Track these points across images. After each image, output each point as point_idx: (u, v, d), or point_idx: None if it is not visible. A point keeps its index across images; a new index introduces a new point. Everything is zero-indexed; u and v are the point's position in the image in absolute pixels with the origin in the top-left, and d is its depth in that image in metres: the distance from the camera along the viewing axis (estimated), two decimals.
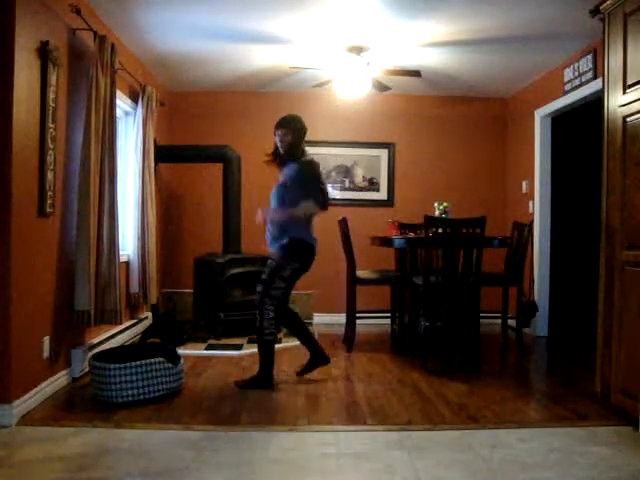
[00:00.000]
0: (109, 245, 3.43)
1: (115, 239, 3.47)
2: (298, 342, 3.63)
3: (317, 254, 3.42)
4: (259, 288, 3.32)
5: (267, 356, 3.33)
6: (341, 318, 4.88)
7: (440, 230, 3.76)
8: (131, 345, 3.99)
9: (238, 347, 4.32)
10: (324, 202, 3.35)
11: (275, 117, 5.88)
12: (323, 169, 5.64)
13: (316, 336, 4.77)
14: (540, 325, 4.97)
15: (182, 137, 5.52)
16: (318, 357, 3.51)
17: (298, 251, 3.31)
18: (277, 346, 4.37)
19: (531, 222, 4.49)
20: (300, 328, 3.53)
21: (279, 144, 3.39)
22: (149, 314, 4.90)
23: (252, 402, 3.04)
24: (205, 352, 4.17)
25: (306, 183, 3.30)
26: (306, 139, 5.62)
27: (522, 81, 5.20)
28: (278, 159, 3.46)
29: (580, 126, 5.49)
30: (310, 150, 5.49)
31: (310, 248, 3.36)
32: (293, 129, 3.35)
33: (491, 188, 5.79)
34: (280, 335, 4.80)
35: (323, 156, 5.70)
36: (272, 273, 3.29)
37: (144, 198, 4.39)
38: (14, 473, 2.14)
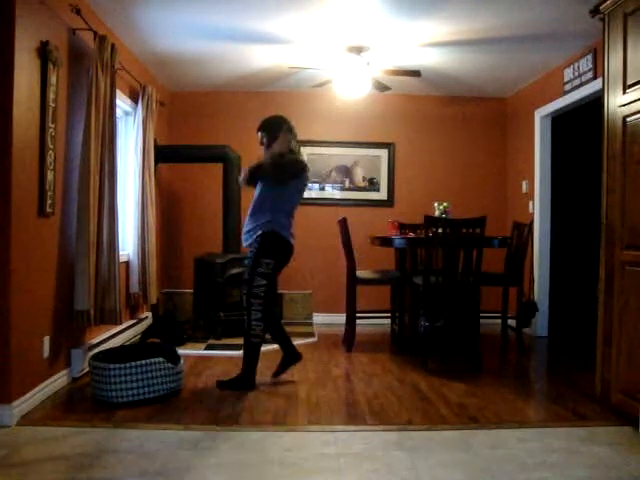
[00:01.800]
0: (109, 245, 3.43)
1: (115, 239, 3.47)
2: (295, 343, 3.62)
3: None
4: (244, 289, 3.32)
5: (252, 357, 3.29)
6: (341, 318, 4.88)
7: (440, 230, 3.75)
8: (131, 345, 3.99)
9: (238, 347, 4.30)
10: (251, 178, 3.31)
11: None
12: (323, 169, 5.70)
13: (316, 336, 4.80)
14: (540, 325, 4.97)
15: (182, 137, 5.52)
16: (292, 355, 3.49)
17: (271, 245, 3.24)
18: (277, 346, 4.38)
19: (531, 222, 4.49)
20: (279, 330, 3.54)
21: (265, 143, 3.39)
22: (149, 314, 4.90)
23: (252, 402, 3.04)
24: (205, 352, 4.17)
25: (265, 160, 3.28)
26: (307, 139, 5.68)
27: (522, 81, 5.20)
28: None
29: (580, 126, 5.49)
30: (310, 150, 5.62)
31: (284, 242, 3.29)
32: (266, 130, 3.35)
33: (491, 188, 5.78)
34: None
35: (323, 156, 5.72)
36: (251, 271, 3.26)
37: (144, 198, 4.39)
38: (14, 473, 2.14)
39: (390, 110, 5.71)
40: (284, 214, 3.32)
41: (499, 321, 4.49)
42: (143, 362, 2.97)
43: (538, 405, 3.17)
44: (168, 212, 5.57)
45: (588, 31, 3.74)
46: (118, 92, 3.81)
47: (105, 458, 2.29)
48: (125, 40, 4.14)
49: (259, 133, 3.40)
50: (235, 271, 4.73)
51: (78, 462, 2.23)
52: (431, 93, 5.66)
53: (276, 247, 3.27)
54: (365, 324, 4.94)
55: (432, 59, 4.52)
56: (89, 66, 3.32)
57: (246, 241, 3.34)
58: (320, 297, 5.61)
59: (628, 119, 2.75)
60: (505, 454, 2.38)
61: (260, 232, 3.24)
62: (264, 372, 3.66)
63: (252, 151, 5.45)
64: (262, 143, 3.40)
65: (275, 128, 3.35)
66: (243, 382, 3.27)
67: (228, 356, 4.08)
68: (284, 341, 3.53)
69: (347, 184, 5.75)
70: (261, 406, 2.98)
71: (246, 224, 3.36)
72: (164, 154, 4.98)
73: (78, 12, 3.14)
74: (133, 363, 2.95)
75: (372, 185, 5.76)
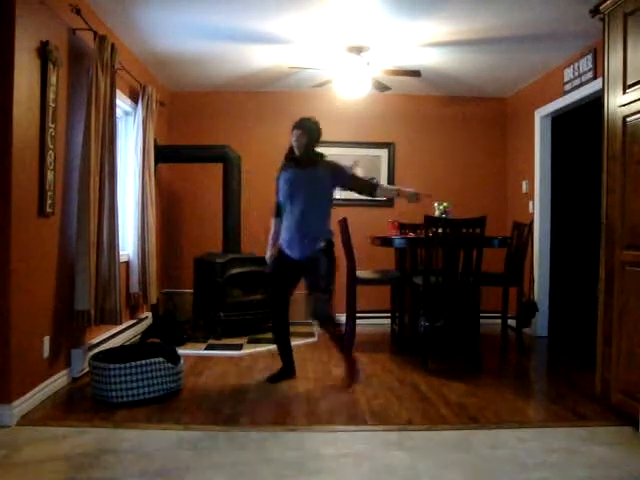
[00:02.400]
0: (109, 245, 3.43)
1: (115, 239, 3.47)
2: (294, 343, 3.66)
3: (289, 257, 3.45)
4: (325, 296, 3.24)
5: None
6: (341, 318, 4.87)
7: (440, 230, 3.75)
8: (131, 345, 3.99)
9: (238, 347, 4.32)
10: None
11: (275, 117, 5.93)
12: None
13: (316, 336, 4.80)
14: (540, 325, 4.97)
15: (182, 137, 5.52)
16: (289, 370, 3.55)
17: (332, 250, 3.37)
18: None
19: (531, 222, 4.49)
20: (287, 336, 3.58)
21: (295, 144, 3.37)
22: (149, 314, 4.90)
23: (252, 402, 3.04)
24: (205, 352, 4.17)
25: (352, 178, 3.45)
26: None
27: (522, 81, 5.20)
28: (294, 160, 3.41)
29: (580, 126, 5.49)
30: None
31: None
32: (308, 130, 3.34)
33: (491, 188, 5.78)
34: None
35: None
36: (331, 272, 3.30)
37: (144, 198, 4.39)
38: (14, 473, 2.14)
39: (390, 110, 5.71)
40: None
41: (499, 321, 4.49)
42: (143, 362, 2.97)
43: (538, 405, 3.17)
44: (168, 212, 5.57)
45: (588, 31, 3.74)
46: (118, 92, 3.81)
47: (105, 458, 2.29)
48: (125, 40, 4.15)
49: (298, 131, 3.33)
50: (235, 271, 4.73)
51: (78, 462, 2.23)
52: (431, 93, 5.66)
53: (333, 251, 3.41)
54: (365, 324, 4.95)
55: (432, 59, 4.52)
56: (89, 66, 3.32)
57: (311, 246, 3.29)
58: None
59: (628, 119, 2.75)
60: (505, 454, 2.38)
61: (327, 241, 3.32)
62: (263, 371, 3.66)
63: (252, 151, 5.49)
64: (298, 142, 3.34)
65: (318, 134, 3.40)
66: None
67: (228, 356, 4.09)
68: (287, 354, 3.56)
69: None
70: (261, 406, 2.98)
71: (312, 228, 3.32)
72: (164, 154, 4.98)
73: (78, 12, 3.14)
74: (133, 363, 2.95)
75: None
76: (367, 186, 3.47)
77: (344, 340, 3.40)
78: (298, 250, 3.33)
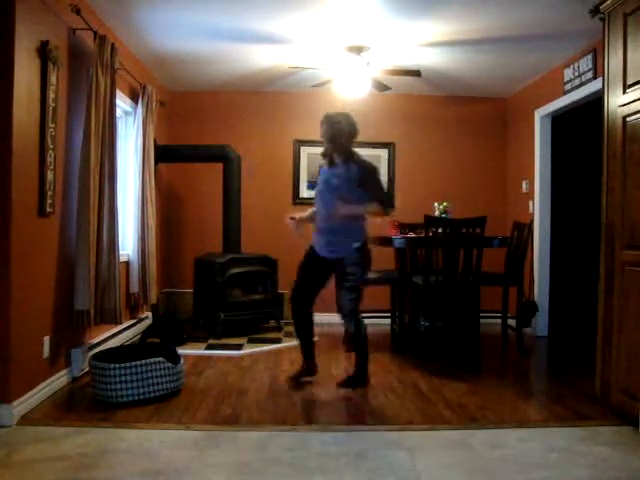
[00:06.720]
0: (109, 245, 3.43)
1: (115, 239, 3.47)
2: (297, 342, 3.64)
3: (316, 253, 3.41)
4: (351, 296, 3.23)
5: (365, 354, 3.34)
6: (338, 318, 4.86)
7: (440, 230, 3.75)
8: (131, 345, 3.99)
9: (238, 347, 4.32)
10: (389, 206, 3.32)
11: (275, 117, 5.94)
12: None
13: (316, 336, 4.79)
14: (540, 325, 4.97)
15: (182, 137, 5.51)
16: (310, 369, 3.50)
17: (367, 254, 3.29)
18: (277, 346, 4.41)
19: (531, 222, 4.48)
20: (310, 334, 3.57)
21: (322, 139, 3.34)
22: (149, 314, 4.90)
23: (252, 402, 3.04)
24: (205, 352, 4.17)
25: (371, 185, 3.23)
26: (307, 139, 5.71)
27: (522, 81, 5.20)
28: (326, 158, 3.38)
29: (580, 126, 5.49)
30: (310, 150, 5.63)
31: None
32: (331, 124, 3.30)
33: (491, 188, 5.78)
34: (280, 335, 4.80)
35: None
36: (359, 279, 3.23)
37: (144, 198, 4.39)
38: (14, 473, 2.14)
39: (390, 110, 5.71)
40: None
41: (499, 321, 4.49)
42: (143, 362, 2.97)
43: (538, 405, 3.17)
44: (168, 212, 5.57)
45: (588, 31, 3.74)
46: (118, 92, 3.81)
47: (105, 458, 2.29)
48: (125, 40, 4.14)
49: (322, 127, 3.35)
50: (235, 271, 4.73)
51: (78, 462, 2.23)
52: (431, 93, 5.66)
53: (369, 255, 3.33)
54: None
55: (432, 59, 4.52)
56: (89, 66, 3.32)
57: (339, 249, 3.23)
58: (320, 297, 5.59)
59: (628, 119, 2.75)
60: (505, 454, 2.38)
61: (360, 243, 3.23)
62: (263, 372, 3.67)
63: (252, 151, 5.49)
64: (323, 137, 3.37)
65: (346, 127, 3.42)
66: (360, 378, 3.33)
67: (228, 356, 4.09)
68: (308, 352, 3.55)
69: None
70: (261, 406, 2.98)
71: (332, 233, 3.25)
72: (164, 154, 4.98)
73: (78, 12, 3.14)
74: (133, 363, 2.94)
75: None
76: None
77: (353, 342, 3.40)
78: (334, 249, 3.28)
